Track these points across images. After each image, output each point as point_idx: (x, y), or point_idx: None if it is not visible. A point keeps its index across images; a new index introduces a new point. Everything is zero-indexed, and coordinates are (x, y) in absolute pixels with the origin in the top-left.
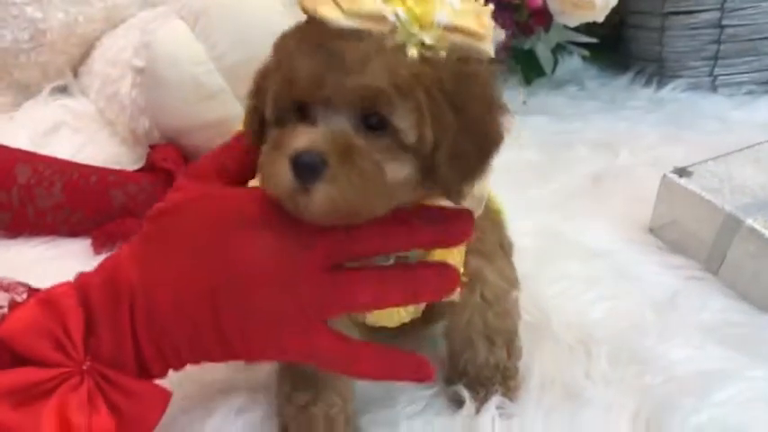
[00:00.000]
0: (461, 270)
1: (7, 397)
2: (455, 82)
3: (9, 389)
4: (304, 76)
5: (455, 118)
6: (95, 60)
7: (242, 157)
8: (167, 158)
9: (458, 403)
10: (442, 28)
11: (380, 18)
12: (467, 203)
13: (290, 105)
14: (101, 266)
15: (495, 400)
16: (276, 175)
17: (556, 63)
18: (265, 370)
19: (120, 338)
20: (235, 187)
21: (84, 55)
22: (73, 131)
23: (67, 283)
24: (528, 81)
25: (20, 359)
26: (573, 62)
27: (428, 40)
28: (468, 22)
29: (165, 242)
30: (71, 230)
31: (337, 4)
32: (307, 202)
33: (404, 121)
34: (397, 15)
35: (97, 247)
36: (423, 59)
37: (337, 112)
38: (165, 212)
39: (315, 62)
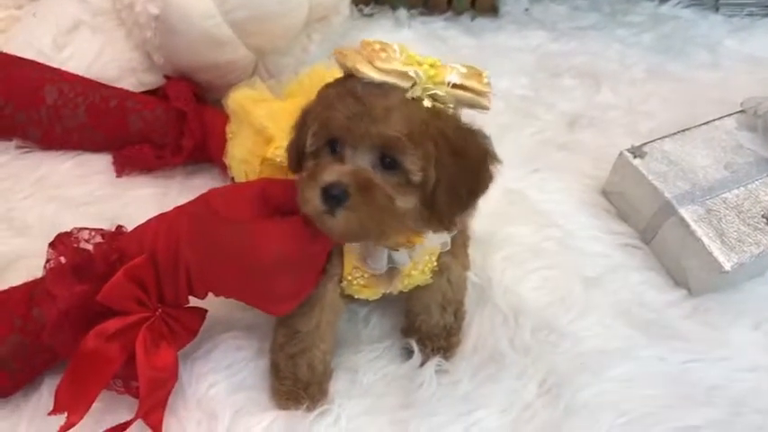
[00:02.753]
0: (435, 263)
1: (111, 337)
2: (457, 132)
3: (114, 331)
4: (339, 122)
5: (454, 162)
6: None
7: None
8: (179, 96)
9: (408, 353)
10: (451, 85)
11: (404, 75)
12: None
13: (325, 142)
14: (163, 228)
15: (435, 359)
16: (310, 199)
17: None
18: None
19: (178, 290)
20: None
21: None
22: (92, 31)
23: (143, 253)
24: None
25: (114, 312)
26: None
27: (440, 93)
28: (472, 83)
29: (213, 223)
30: (95, 147)
31: (372, 63)
32: (331, 223)
33: (413, 165)
34: (417, 73)
35: (118, 170)
36: (434, 112)
37: (361, 152)
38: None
39: (348, 111)
